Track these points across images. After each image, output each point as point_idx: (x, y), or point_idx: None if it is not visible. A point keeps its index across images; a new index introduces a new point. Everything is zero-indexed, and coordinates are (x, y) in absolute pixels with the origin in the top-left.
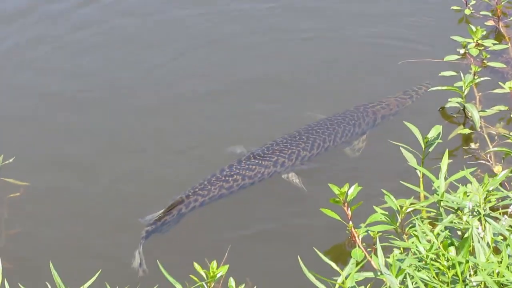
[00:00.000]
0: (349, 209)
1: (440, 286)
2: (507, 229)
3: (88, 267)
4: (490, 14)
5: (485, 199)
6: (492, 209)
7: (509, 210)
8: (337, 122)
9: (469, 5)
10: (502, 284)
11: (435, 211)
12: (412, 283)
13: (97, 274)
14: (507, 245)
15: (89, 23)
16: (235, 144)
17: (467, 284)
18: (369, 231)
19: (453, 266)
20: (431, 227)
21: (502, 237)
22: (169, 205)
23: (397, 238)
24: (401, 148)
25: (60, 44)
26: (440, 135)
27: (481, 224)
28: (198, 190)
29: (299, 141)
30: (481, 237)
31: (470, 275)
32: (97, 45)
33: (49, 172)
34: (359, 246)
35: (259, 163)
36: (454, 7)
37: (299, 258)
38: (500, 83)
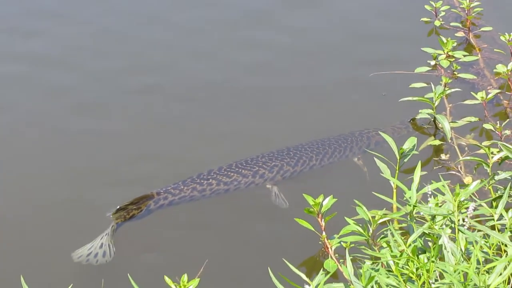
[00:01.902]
0: (322, 220)
1: None
2: (479, 237)
3: None
4: (460, 25)
5: (458, 207)
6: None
7: (468, 212)
8: (329, 143)
9: (438, 17)
10: None
11: (408, 221)
12: None
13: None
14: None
15: None
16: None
17: None
18: (341, 242)
19: (423, 274)
20: (403, 237)
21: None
22: (138, 197)
23: (369, 249)
24: (375, 158)
25: None
26: (415, 147)
27: (455, 233)
28: (170, 189)
29: (286, 156)
30: (450, 246)
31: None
32: None
33: None
34: (331, 257)
35: (238, 171)
36: (424, 19)
37: (269, 269)
38: (472, 93)
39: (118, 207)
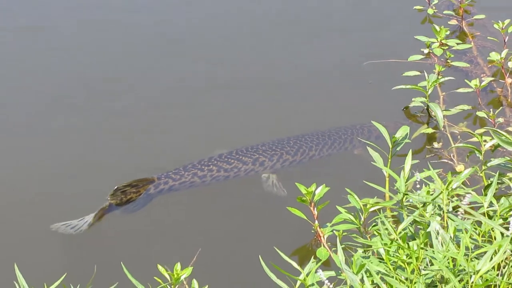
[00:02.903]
0: (315, 208)
1: (397, 278)
2: (468, 225)
3: None
4: (453, 13)
5: (448, 195)
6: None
7: (463, 202)
8: (329, 135)
9: (431, 5)
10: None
11: (398, 210)
12: (369, 278)
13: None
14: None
15: None
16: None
17: (423, 275)
18: (334, 231)
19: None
20: (395, 225)
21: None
22: (138, 179)
23: (361, 238)
24: (367, 147)
25: None
26: (408, 135)
27: (444, 221)
28: (171, 174)
29: (286, 145)
30: (440, 232)
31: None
32: None
33: None
34: (324, 246)
35: (239, 158)
36: (417, 7)
37: (260, 258)
38: (466, 81)
39: (115, 187)
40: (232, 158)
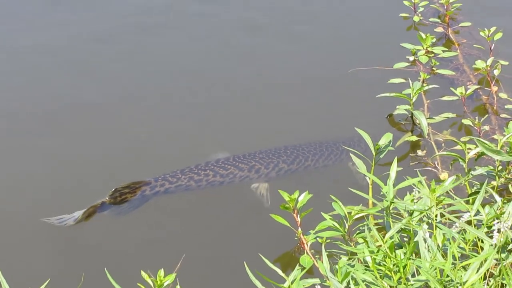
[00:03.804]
0: (298, 215)
1: (383, 287)
2: (457, 233)
3: None
4: (439, 20)
5: (436, 205)
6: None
7: (460, 219)
8: (326, 146)
9: (417, 12)
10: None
11: (383, 217)
12: (355, 287)
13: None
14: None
15: None
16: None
17: (410, 285)
18: (317, 238)
19: (399, 270)
20: (379, 233)
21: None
22: (136, 182)
23: (345, 245)
24: (351, 154)
25: None
26: (391, 142)
27: (433, 229)
28: (168, 177)
29: (283, 153)
30: (427, 241)
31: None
32: None
33: None
34: (307, 253)
35: (235, 164)
36: (403, 14)
37: (245, 264)
38: (451, 88)
39: (114, 188)
40: (228, 164)
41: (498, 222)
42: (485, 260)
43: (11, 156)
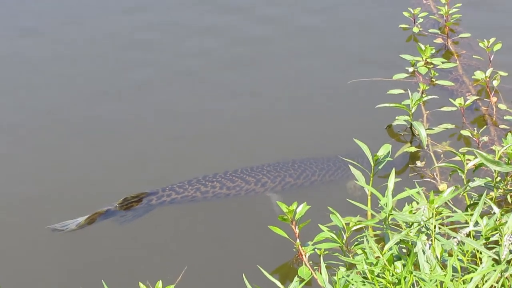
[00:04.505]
0: (296, 227)
1: None
2: (456, 245)
3: None
4: (438, 31)
5: (435, 216)
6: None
7: (462, 233)
8: (334, 161)
9: (417, 23)
10: None
11: (382, 228)
12: None
13: None
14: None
15: None
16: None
17: None
18: (316, 249)
19: (399, 282)
20: (378, 244)
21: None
22: (145, 192)
23: (343, 256)
24: (349, 166)
25: None
26: (390, 153)
27: (432, 241)
28: (175, 187)
29: (290, 167)
30: (427, 253)
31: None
32: None
33: None
34: (305, 264)
35: (242, 177)
36: (402, 25)
37: (243, 276)
38: (450, 99)
39: (124, 197)
40: (236, 176)
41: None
42: (487, 274)
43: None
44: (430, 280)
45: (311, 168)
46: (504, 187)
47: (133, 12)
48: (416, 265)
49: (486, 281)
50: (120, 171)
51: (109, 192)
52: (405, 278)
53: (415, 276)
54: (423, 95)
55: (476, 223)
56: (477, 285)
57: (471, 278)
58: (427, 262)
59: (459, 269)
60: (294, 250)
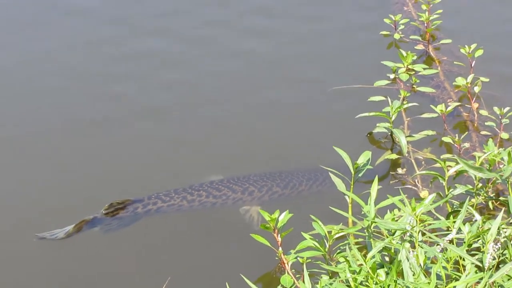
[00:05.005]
0: (279, 235)
1: None
2: (439, 252)
3: None
4: (419, 38)
5: (419, 224)
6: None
7: (445, 240)
8: (321, 171)
9: (398, 30)
10: None
11: (364, 235)
12: None
13: None
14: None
15: None
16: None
17: None
18: (298, 258)
19: None
20: (360, 252)
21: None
22: (127, 199)
23: (326, 264)
24: (330, 174)
25: None
26: (370, 161)
27: (415, 248)
28: (161, 195)
29: (277, 177)
30: (410, 261)
31: None
32: None
33: None
34: (288, 273)
35: (229, 186)
36: (383, 32)
37: (227, 285)
38: (431, 106)
39: (110, 203)
40: (222, 186)
41: (492, 245)
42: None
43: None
44: None
45: (298, 178)
46: (485, 194)
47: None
48: (399, 273)
49: None
50: (106, 182)
51: (94, 201)
52: (389, 286)
53: (399, 284)
54: (404, 102)
55: (459, 230)
56: None
57: (454, 287)
58: (411, 269)
59: (444, 276)
60: (276, 258)
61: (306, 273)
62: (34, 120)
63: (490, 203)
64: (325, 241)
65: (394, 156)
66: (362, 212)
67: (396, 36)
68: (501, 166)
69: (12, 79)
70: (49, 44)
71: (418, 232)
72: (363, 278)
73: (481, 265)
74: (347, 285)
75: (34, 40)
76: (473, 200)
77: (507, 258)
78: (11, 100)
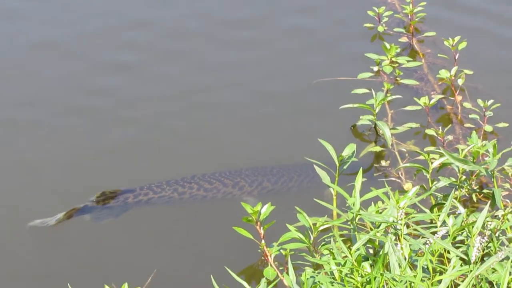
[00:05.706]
0: (261, 228)
1: None
2: (423, 244)
3: None
4: (403, 30)
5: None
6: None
7: (437, 234)
8: (312, 167)
9: (382, 22)
10: None
11: (348, 228)
12: None
13: None
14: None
15: None
16: None
17: None
18: (281, 250)
19: (369, 282)
20: (345, 245)
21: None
22: (119, 189)
23: (310, 257)
24: (315, 166)
25: None
26: (354, 153)
27: (399, 241)
28: (153, 187)
29: (269, 172)
30: (396, 254)
31: None
32: None
33: None
34: (271, 265)
35: (220, 179)
36: (367, 24)
37: (212, 277)
38: (415, 98)
39: (102, 191)
40: (214, 179)
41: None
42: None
43: None
44: (401, 281)
45: (288, 174)
46: (468, 186)
47: None
48: (384, 266)
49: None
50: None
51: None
52: (375, 278)
53: (386, 277)
54: (388, 94)
55: (443, 223)
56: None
57: (441, 280)
58: (397, 262)
59: (430, 269)
60: (259, 251)
61: (290, 265)
62: None
63: (473, 196)
64: (310, 233)
65: (378, 148)
66: (347, 205)
67: (380, 28)
68: (485, 158)
69: None
70: None
71: (404, 225)
72: (348, 271)
73: (466, 258)
74: (332, 277)
75: None
76: (456, 192)
77: (491, 250)
78: None
